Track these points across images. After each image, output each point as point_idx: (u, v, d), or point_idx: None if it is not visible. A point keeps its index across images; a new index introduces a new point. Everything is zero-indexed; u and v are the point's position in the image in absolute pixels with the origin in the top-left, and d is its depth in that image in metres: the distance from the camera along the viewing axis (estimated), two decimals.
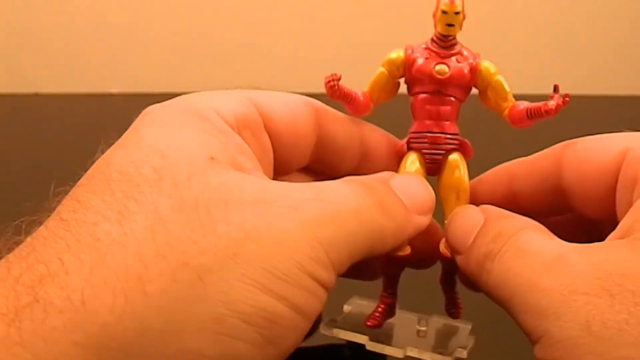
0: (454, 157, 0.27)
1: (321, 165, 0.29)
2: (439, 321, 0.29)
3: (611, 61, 0.86)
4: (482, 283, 0.24)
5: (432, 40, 0.26)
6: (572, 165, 0.26)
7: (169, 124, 0.23)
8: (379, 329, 0.27)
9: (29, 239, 0.20)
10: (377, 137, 0.29)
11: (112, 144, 0.23)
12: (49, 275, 0.19)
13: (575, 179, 0.26)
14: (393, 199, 0.25)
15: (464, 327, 0.28)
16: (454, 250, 0.26)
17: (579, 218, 0.27)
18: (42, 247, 0.20)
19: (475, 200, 0.27)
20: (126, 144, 0.23)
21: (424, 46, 0.26)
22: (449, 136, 0.27)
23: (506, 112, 0.27)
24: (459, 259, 0.25)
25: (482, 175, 0.29)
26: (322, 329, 0.28)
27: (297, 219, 0.21)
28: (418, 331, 0.28)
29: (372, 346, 0.27)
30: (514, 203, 0.27)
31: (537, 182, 0.27)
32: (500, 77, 0.27)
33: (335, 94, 0.26)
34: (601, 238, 0.23)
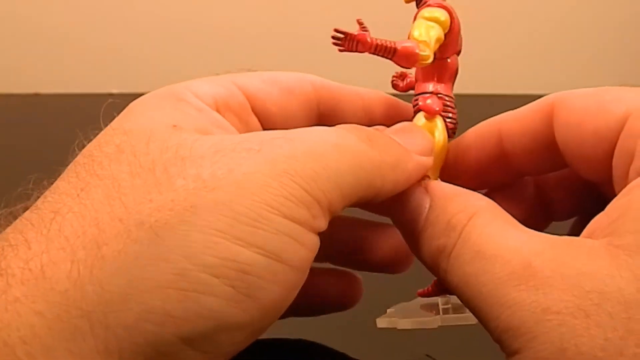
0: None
1: None
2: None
3: (607, 59, 0.86)
4: (439, 277, 0.22)
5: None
6: (566, 126, 0.24)
7: (143, 108, 0.23)
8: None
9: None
10: (379, 102, 0.28)
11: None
12: (10, 248, 0.19)
13: (569, 140, 0.24)
14: (381, 134, 0.23)
15: None
16: (403, 236, 0.24)
17: (576, 174, 0.25)
18: (10, 229, 0.20)
19: (464, 160, 0.26)
20: (99, 134, 0.22)
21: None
22: None
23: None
24: (410, 246, 0.24)
25: (465, 133, 0.27)
26: (383, 324, 0.26)
27: (261, 159, 0.19)
28: (445, 310, 0.26)
29: (445, 320, 0.25)
30: (506, 162, 0.26)
31: (528, 141, 0.25)
32: None
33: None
34: (598, 196, 0.21)
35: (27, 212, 0.20)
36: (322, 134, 0.21)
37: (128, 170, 0.20)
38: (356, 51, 0.23)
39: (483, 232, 0.21)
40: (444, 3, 0.25)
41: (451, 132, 0.26)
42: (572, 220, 0.28)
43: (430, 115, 0.25)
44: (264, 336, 0.21)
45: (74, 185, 0.20)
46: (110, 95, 0.81)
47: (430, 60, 0.24)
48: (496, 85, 0.75)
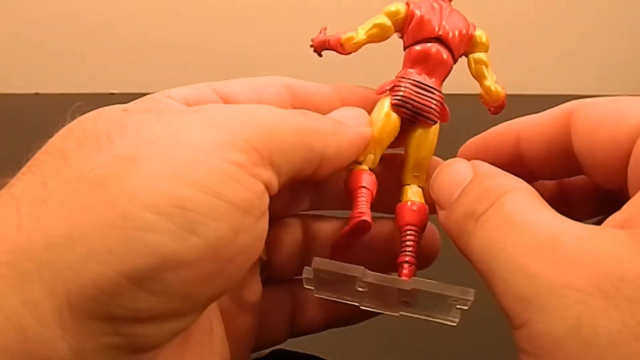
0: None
1: None
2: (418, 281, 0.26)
3: (611, 61, 0.85)
4: (461, 244, 0.22)
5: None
6: (583, 133, 0.24)
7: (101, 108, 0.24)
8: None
9: None
10: (355, 93, 0.28)
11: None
12: None
13: (585, 147, 0.24)
14: (316, 113, 0.25)
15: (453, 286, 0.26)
16: (437, 204, 0.25)
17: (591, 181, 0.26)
18: None
19: (482, 158, 0.26)
20: None
21: None
22: None
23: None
24: (441, 215, 0.24)
25: (484, 133, 0.28)
26: (306, 273, 0.26)
27: (197, 116, 0.21)
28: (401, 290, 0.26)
29: (374, 278, 0.24)
30: (522, 165, 0.26)
31: (545, 145, 0.26)
32: None
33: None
34: (615, 203, 0.21)
35: None
36: (259, 105, 0.23)
37: (75, 143, 0.21)
38: (316, 51, 0.28)
39: (516, 205, 0.21)
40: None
41: (396, 108, 0.27)
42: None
43: (377, 94, 0.28)
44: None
45: (27, 165, 0.22)
46: (111, 95, 0.82)
47: (355, 40, 0.27)
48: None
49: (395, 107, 0.27)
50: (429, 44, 0.27)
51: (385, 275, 0.25)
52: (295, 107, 0.27)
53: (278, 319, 0.30)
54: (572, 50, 0.85)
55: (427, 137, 0.27)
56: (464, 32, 0.27)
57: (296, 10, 0.83)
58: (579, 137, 0.24)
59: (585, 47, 0.85)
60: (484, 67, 0.27)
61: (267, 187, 0.21)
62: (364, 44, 0.28)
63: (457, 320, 0.25)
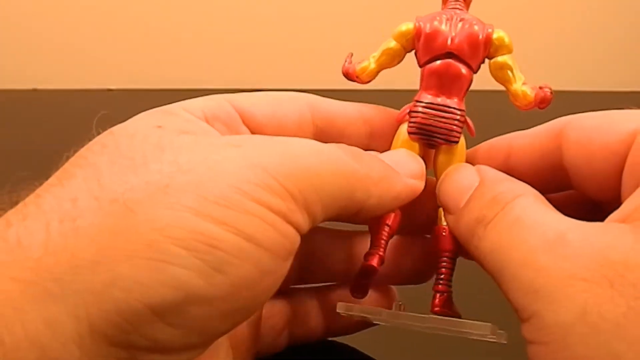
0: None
1: None
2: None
3: (612, 56, 0.86)
4: (471, 248, 0.23)
5: (459, 5, 0.27)
6: (576, 143, 0.24)
7: (132, 119, 0.23)
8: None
9: None
10: (378, 114, 0.28)
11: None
12: None
13: (578, 158, 0.24)
14: (368, 153, 0.24)
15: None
16: (445, 208, 0.25)
17: (580, 195, 0.26)
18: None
19: None
20: None
21: None
22: None
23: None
24: (449, 219, 0.25)
25: (477, 146, 0.28)
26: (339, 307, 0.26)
27: (237, 151, 0.20)
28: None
29: (399, 317, 0.25)
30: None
31: (535, 159, 0.26)
32: None
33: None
34: (602, 218, 0.22)
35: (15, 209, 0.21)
36: (306, 141, 0.22)
37: (108, 159, 0.21)
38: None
39: (525, 208, 0.22)
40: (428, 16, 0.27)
41: (412, 135, 0.27)
42: None
43: (397, 121, 0.27)
44: None
45: (57, 176, 0.21)
46: (109, 90, 0.81)
47: (368, 71, 0.27)
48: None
49: (411, 134, 0.26)
50: (439, 62, 0.26)
51: (410, 314, 0.25)
52: (317, 126, 0.27)
53: (278, 328, 0.30)
54: (575, 46, 0.85)
55: (453, 156, 0.27)
56: (477, 38, 0.26)
57: (297, 8, 0.83)
58: (572, 148, 0.25)
59: (584, 43, 0.85)
60: (507, 72, 0.26)
61: (300, 230, 0.21)
62: (378, 72, 0.27)
63: (497, 339, 0.24)
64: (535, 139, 0.26)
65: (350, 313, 0.26)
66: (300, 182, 0.20)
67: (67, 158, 0.22)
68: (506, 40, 0.26)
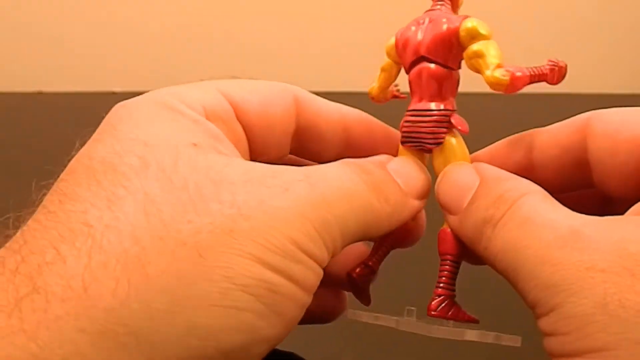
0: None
1: (303, 153, 0.28)
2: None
3: (611, 59, 0.85)
4: (480, 249, 0.23)
5: (446, 4, 0.26)
6: (602, 136, 0.24)
7: (142, 117, 0.23)
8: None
9: (19, 233, 0.20)
10: (358, 122, 0.28)
11: (86, 142, 0.23)
12: (46, 265, 0.19)
13: (603, 150, 0.24)
14: (389, 181, 0.25)
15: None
16: (445, 209, 0.25)
17: (595, 194, 0.26)
18: (34, 239, 0.19)
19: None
20: (104, 138, 0.22)
21: None
22: None
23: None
24: (451, 220, 0.25)
25: (497, 143, 0.28)
26: (401, 326, 0.26)
27: (287, 198, 0.21)
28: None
29: (407, 326, 0.25)
30: (531, 174, 0.26)
31: (558, 154, 0.26)
32: None
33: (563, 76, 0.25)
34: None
35: (44, 217, 0.20)
36: (338, 179, 0.23)
37: (159, 187, 0.20)
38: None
39: (533, 206, 0.22)
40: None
41: (404, 145, 0.27)
42: None
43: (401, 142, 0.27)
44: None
45: (96, 193, 0.20)
46: (113, 93, 0.82)
47: (375, 92, 0.28)
48: None
49: (403, 144, 0.27)
50: (413, 69, 0.26)
51: (418, 322, 0.25)
52: (298, 124, 0.27)
53: None
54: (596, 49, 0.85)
55: (447, 156, 0.26)
56: (443, 35, 0.25)
57: (299, 8, 0.83)
58: (597, 141, 0.24)
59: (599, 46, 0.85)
60: (478, 60, 0.25)
61: (323, 266, 0.23)
62: (383, 89, 0.28)
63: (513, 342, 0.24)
64: (559, 134, 0.26)
65: (359, 319, 0.27)
66: (334, 231, 0.22)
67: (77, 149, 0.22)
68: (478, 28, 0.25)
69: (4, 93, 0.79)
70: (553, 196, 0.23)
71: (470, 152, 0.27)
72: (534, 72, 0.24)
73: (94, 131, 0.23)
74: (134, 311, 0.18)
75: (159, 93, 0.24)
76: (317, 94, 0.28)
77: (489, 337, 0.24)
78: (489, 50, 0.25)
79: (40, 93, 0.81)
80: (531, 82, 0.25)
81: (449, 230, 0.26)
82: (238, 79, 0.27)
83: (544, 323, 0.20)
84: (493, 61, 0.25)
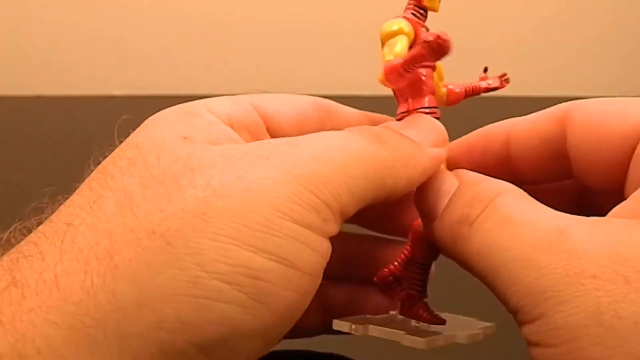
0: None
1: None
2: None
3: (609, 62, 0.86)
4: (456, 250, 0.22)
5: (415, 14, 0.25)
6: (583, 127, 0.23)
7: (156, 122, 0.23)
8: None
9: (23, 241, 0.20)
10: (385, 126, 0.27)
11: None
12: (24, 259, 0.19)
13: (584, 142, 0.23)
14: (392, 133, 0.23)
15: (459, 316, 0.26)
16: (423, 216, 0.24)
17: (578, 186, 0.25)
18: (25, 242, 0.20)
19: (466, 159, 0.26)
20: (117, 149, 0.23)
21: (412, 19, 0.25)
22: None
23: (443, 90, 0.26)
24: (428, 228, 0.23)
25: (470, 134, 0.27)
26: (358, 331, 0.25)
27: (269, 165, 0.20)
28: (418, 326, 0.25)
29: (432, 341, 0.23)
30: (508, 166, 0.25)
31: (536, 145, 0.25)
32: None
33: (445, 53, 0.22)
34: (600, 210, 0.20)
35: (41, 225, 0.20)
36: (328, 137, 0.21)
37: (139, 182, 0.20)
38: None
39: (512, 205, 0.21)
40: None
41: None
42: None
43: None
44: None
45: (87, 198, 0.20)
46: (114, 97, 0.82)
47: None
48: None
49: None
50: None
51: (391, 330, 0.24)
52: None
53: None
54: (575, 52, 0.85)
55: None
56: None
57: (304, 15, 0.83)
58: (578, 133, 0.23)
59: (587, 49, 0.85)
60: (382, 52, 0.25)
61: (333, 237, 0.20)
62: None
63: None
64: (537, 124, 0.25)
65: (342, 330, 0.25)
66: (333, 186, 0.20)
67: (90, 170, 0.22)
68: (380, 30, 0.25)
69: (3, 97, 0.79)
70: (529, 188, 0.22)
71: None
72: (406, 57, 0.23)
73: (119, 138, 0.23)
74: (101, 303, 0.18)
75: (191, 103, 0.24)
76: (321, 96, 0.28)
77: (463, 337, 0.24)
78: (384, 50, 0.24)
79: (40, 97, 0.81)
80: (405, 68, 0.23)
81: (419, 232, 0.25)
82: (270, 94, 0.26)
83: (529, 331, 0.19)
84: (386, 50, 0.24)
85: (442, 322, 0.25)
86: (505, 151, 0.26)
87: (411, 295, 0.25)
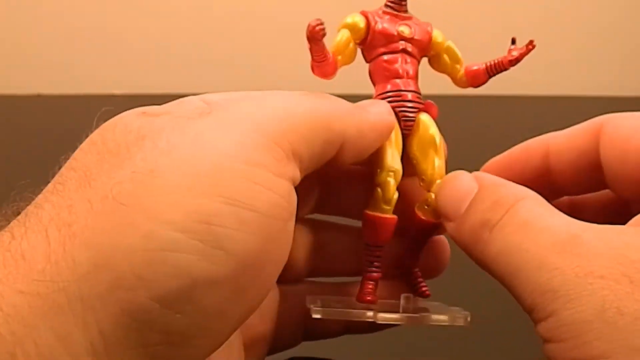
0: (425, 115, 0.27)
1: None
2: (420, 300, 0.28)
3: (612, 62, 0.86)
4: (476, 252, 0.23)
5: (386, 5, 0.27)
6: (612, 141, 0.25)
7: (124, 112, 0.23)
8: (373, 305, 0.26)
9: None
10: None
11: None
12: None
13: (613, 156, 0.24)
14: (339, 99, 0.23)
15: (439, 304, 0.27)
16: (444, 216, 0.25)
17: (611, 196, 0.26)
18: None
19: (507, 174, 0.26)
20: None
21: (380, 12, 0.27)
22: (419, 94, 0.26)
23: (461, 72, 0.27)
24: (450, 227, 0.24)
25: (511, 149, 0.28)
26: (314, 314, 0.26)
27: (212, 117, 0.20)
28: (406, 307, 0.26)
29: (383, 318, 0.25)
30: (548, 179, 0.27)
31: (574, 158, 0.26)
32: (450, 42, 0.27)
33: (319, 42, 0.24)
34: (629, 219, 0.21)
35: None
36: (272, 91, 0.22)
37: (97, 159, 0.20)
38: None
39: (531, 210, 0.22)
40: None
41: (405, 120, 0.27)
42: None
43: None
44: None
45: (54, 181, 0.21)
46: (112, 96, 0.82)
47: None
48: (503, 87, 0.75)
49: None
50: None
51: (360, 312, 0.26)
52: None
53: (291, 322, 0.29)
54: (585, 51, 0.85)
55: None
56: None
57: (297, 13, 0.83)
58: (608, 148, 0.25)
59: (597, 48, 0.85)
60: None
61: (293, 182, 0.20)
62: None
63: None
64: (573, 138, 0.26)
65: (318, 316, 0.26)
66: (280, 127, 0.20)
67: (66, 159, 0.22)
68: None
69: (2, 95, 0.79)
70: (568, 199, 0.23)
71: (473, 157, 0.28)
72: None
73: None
74: (62, 269, 0.18)
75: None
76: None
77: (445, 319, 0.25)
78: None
79: (39, 95, 0.81)
80: (313, 59, 0.25)
81: (390, 218, 0.26)
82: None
83: (543, 329, 0.20)
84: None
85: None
86: (545, 165, 0.27)
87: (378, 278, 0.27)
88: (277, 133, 0.20)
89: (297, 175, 0.21)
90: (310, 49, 0.24)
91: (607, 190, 0.26)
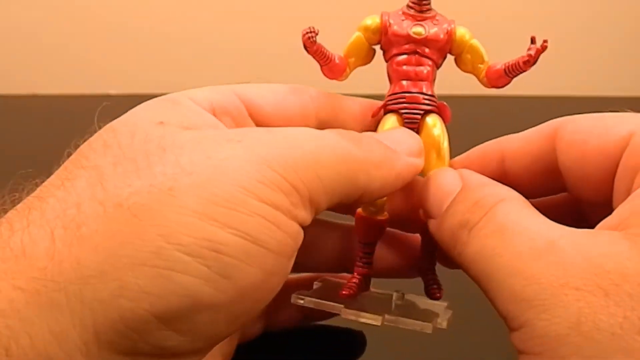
0: (433, 117, 0.27)
1: None
2: (416, 297, 0.28)
3: (610, 62, 0.86)
4: (454, 254, 0.22)
5: (408, 5, 0.27)
6: (570, 145, 0.24)
7: (135, 110, 0.23)
8: (353, 299, 0.26)
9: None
10: (354, 109, 0.28)
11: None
12: None
13: (572, 160, 0.24)
14: (370, 137, 0.23)
15: (440, 304, 0.28)
16: (427, 213, 0.25)
17: (571, 198, 0.26)
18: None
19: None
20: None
21: (400, 12, 0.27)
22: (426, 96, 0.26)
23: (483, 73, 0.27)
24: (431, 224, 0.24)
25: (469, 152, 0.28)
26: (293, 299, 0.26)
27: (240, 147, 0.20)
28: (395, 305, 0.27)
29: (347, 313, 0.25)
30: (505, 182, 0.26)
31: (530, 162, 0.26)
32: (475, 41, 0.27)
33: (312, 48, 0.25)
34: (592, 221, 0.21)
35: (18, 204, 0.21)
36: (304, 129, 0.22)
37: (111, 161, 0.20)
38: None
39: (510, 213, 0.21)
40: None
41: (407, 122, 0.27)
42: None
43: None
44: None
45: (59, 176, 0.21)
46: (108, 96, 0.81)
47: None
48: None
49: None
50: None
51: (357, 312, 0.26)
52: (320, 120, 0.27)
53: (261, 316, 0.30)
54: (565, 51, 0.85)
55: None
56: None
57: (300, 12, 0.83)
58: (566, 151, 0.24)
59: (578, 48, 0.85)
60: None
61: (303, 224, 0.21)
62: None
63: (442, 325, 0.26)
64: (529, 142, 0.26)
65: (302, 304, 0.26)
66: (302, 172, 0.20)
67: (69, 154, 0.22)
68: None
69: None
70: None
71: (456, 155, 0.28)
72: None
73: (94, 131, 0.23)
74: (66, 270, 0.18)
75: (174, 93, 0.25)
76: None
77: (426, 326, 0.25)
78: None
79: (34, 96, 0.80)
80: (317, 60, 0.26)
81: (378, 220, 0.26)
82: (252, 83, 0.27)
83: (516, 339, 0.19)
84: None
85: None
86: (502, 168, 0.26)
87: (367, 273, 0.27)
88: (300, 180, 0.20)
89: (310, 218, 0.21)
90: (311, 55, 0.25)
91: (564, 193, 0.26)
